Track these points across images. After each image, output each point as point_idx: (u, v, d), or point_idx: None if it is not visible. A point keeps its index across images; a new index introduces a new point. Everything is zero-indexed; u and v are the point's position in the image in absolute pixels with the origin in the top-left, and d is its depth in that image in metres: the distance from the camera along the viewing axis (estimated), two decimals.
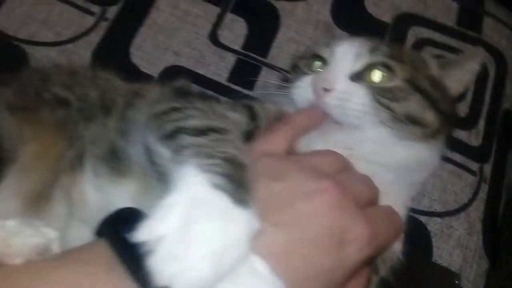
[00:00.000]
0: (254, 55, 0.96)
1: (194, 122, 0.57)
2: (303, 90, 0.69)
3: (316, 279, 0.49)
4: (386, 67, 0.69)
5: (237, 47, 0.97)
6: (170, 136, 0.56)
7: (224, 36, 0.98)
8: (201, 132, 0.55)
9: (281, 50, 0.98)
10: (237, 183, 0.49)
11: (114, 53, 0.94)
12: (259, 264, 0.46)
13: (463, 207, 0.86)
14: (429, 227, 0.84)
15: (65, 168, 0.66)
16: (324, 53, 0.73)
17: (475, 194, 0.88)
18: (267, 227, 0.47)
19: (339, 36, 0.80)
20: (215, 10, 1.00)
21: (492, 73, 1.00)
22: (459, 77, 0.75)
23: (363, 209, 0.54)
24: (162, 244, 0.43)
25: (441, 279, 0.80)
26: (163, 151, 0.56)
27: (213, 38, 0.97)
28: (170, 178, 0.52)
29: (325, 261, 0.49)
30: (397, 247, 0.68)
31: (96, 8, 0.97)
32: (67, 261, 0.48)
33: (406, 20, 1.04)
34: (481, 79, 0.96)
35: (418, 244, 0.77)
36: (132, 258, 0.45)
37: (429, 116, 0.69)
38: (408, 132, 0.67)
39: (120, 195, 0.64)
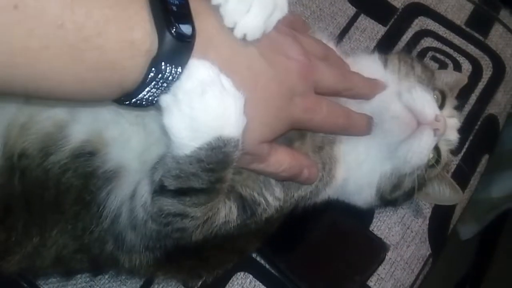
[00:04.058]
0: None
1: None
2: (420, 100, 0.70)
3: (268, 109, 0.57)
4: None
5: None
6: None
7: None
8: None
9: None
10: None
11: None
12: (226, 82, 0.52)
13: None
14: None
15: None
16: (448, 96, 0.77)
17: None
18: (256, 53, 0.55)
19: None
20: None
21: (486, 76, 1.00)
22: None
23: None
24: None
25: (368, 246, 0.80)
26: None
27: None
28: None
29: (278, 100, 0.58)
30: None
31: None
32: None
33: (415, 9, 1.04)
34: (473, 80, 0.97)
35: (360, 210, 0.78)
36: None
37: None
38: None
39: None
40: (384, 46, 0.99)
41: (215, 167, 0.55)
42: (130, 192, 0.63)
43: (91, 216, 0.64)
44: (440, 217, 0.88)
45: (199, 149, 0.53)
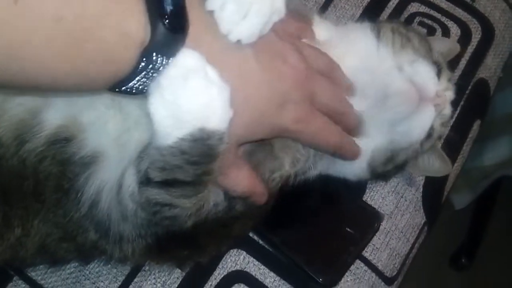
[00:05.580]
0: None
1: None
2: (423, 74, 0.69)
3: (251, 111, 0.57)
4: None
5: None
6: None
7: None
8: None
9: None
10: None
11: None
12: (212, 73, 0.51)
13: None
14: None
15: None
16: (444, 68, 0.74)
17: None
18: (250, 54, 0.55)
19: None
20: None
21: (475, 40, 0.98)
22: None
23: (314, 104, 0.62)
24: None
25: (362, 216, 0.79)
26: None
27: None
28: None
29: (263, 105, 0.57)
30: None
31: None
32: None
33: None
34: (462, 45, 0.94)
35: (353, 181, 0.76)
36: None
37: None
38: None
39: None
40: (371, 13, 0.97)
41: (199, 160, 0.54)
42: (113, 180, 0.61)
43: (71, 203, 0.63)
44: (434, 184, 0.86)
45: (182, 140, 0.52)
